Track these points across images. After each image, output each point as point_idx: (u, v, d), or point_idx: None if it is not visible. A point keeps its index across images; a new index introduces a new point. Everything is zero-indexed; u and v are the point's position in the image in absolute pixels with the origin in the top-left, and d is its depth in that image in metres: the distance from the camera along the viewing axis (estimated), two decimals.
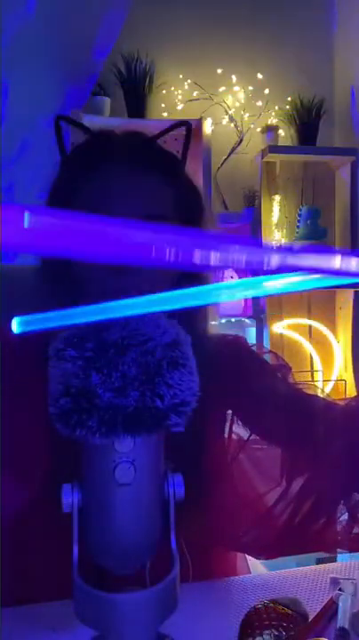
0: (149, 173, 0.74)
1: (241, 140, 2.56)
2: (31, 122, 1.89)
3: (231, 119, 2.56)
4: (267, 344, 2.43)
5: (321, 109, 2.56)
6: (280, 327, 2.58)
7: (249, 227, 2.49)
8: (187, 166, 0.80)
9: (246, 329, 2.50)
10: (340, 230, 2.65)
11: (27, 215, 0.28)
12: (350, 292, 2.56)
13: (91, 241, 0.29)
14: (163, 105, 2.52)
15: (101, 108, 2.40)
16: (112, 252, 0.30)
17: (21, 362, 0.69)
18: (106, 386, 0.41)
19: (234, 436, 0.83)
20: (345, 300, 2.61)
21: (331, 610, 0.65)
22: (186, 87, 2.52)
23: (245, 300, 2.49)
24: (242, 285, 0.36)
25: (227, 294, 0.37)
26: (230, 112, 2.56)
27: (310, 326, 2.63)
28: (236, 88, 2.55)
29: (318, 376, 2.59)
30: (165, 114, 2.51)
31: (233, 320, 2.46)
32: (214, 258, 0.31)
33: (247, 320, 2.48)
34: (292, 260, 0.32)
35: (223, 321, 2.42)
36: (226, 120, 2.56)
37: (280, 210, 2.59)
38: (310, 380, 2.51)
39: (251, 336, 2.43)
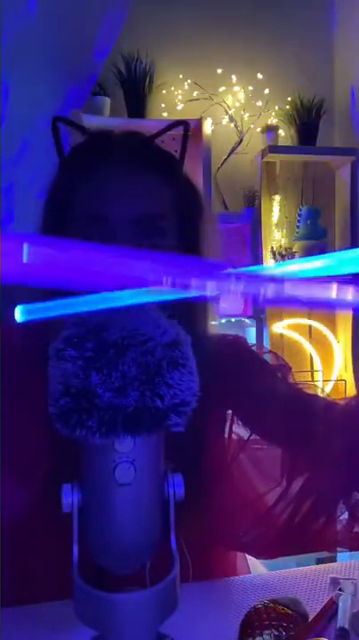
0: (147, 173, 0.74)
1: (241, 140, 2.56)
2: (31, 122, 1.89)
3: (231, 119, 2.56)
4: (267, 344, 2.43)
5: (321, 109, 2.56)
6: (280, 327, 2.58)
7: (249, 227, 2.49)
8: (185, 166, 0.80)
9: (246, 329, 2.50)
10: (340, 230, 2.65)
11: (26, 248, 0.28)
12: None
13: (89, 271, 0.29)
14: (163, 105, 2.52)
15: (101, 108, 2.40)
16: (109, 281, 0.30)
17: (21, 362, 0.69)
18: (106, 386, 0.41)
19: (234, 436, 0.83)
20: None
21: (331, 610, 0.65)
22: (186, 87, 2.52)
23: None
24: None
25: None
26: (230, 112, 2.56)
27: (310, 326, 2.63)
28: (236, 88, 2.55)
29: (318, 376, 2.59)
30: (165, 114, 2.51)
31: (233, 320, 2.46)
32: (210, 287, 0.31)
33: (247, 320, 2.48)
34: (289, 289, 0.32)
35: (223, 321, 2.42)
36: (226, 120, 2.56)
37: (280, 210, 2.59)
38: (310, 379, 2.51)
39: (251, 336, 2.43)
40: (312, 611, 0.65)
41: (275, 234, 2.58)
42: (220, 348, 0.86)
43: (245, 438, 0.82)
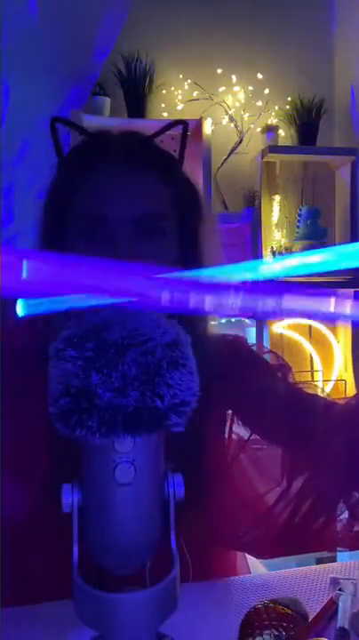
0: (147, 173, 0.74)
1: (241, 140, 2.56)
2: (31, 122, 1.89)
3: (231, 119, 2.56)
4: (267, 344, 2.43)
5: (321, 109, 2.56)
6: (280, 327, 2.58)
7: (249, 227, 2.49)
8: (185, 166, 0.80)
9: (246, 329, 2.50)
10: (340, 230, 2.65)
11: (25, 265, 0.28)
12: (350, 293, 2.55)
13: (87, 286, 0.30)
14: (163, 105, 2.52)
15: (101, 108, 2.40)
16: (108, 295, 0.30)
17: (21, 362, 0.69)
18: (106, 386, 0.41)
19: (234, 436, 0.83)
20: None
21: (331, 610, 0.65)
22: (186, 87, 2.52)
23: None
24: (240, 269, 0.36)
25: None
26: (230, 112, 2.56)
27: (310, 326, 2.63)
28: (236, 88, 2.55)
29: (318, 376, 2.59)
30: (165, 114, 2.50)
31: (233, 320, 2.46)
32: (209, 303, 0.31)
33: (247, 320, 2.48)
34: (288, 303, 0.32)
35: (223, 321, 2.42)
36: (226, 120, 2.56)
37: (280, 210, 2.59)
38: (310, 379, 2.51)
39: (251, 336, 2.43)
40: (312, 611, 0.65)
41: (275, 234, 2.58)
42: (220, 347, 0.86)
43: (245, 438, 0.82)
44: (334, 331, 2.64)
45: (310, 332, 2.63)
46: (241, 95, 2.56)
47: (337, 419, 0.78)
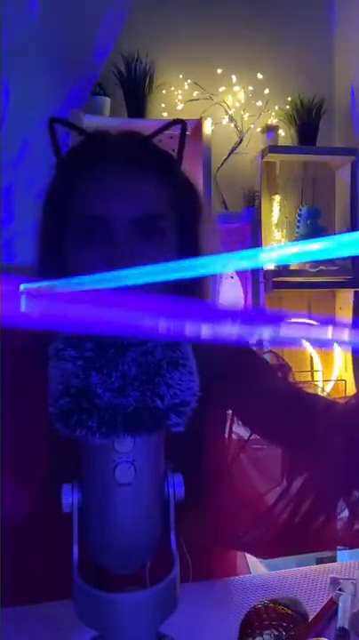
0: (145, 172, 0.74)
1: (241, 140, 2.56)
2: (31, 122, 1.89)
3: (231, 119, 2.56)
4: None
5: (321, 109, 2.56)
6: None
7: (249, 227, 2.49)
8: (185, 166, 0.80)
9: None
10: (340, 230, 2.65)
11: (24, 299, 0.28)
12: (350, 292, 2.56)
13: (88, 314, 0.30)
14: (163, 105, 2.52)
15: (101, 108, 2.40)
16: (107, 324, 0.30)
17: (21, 362, 0.69)
18: (106, 386, 0.41)
19: (234, 436, 0.83)
20: (345, 301, 2.61)
21: (331, 610, 0.65)
22: (186, 87, 2.52)
23: (245, 299, 2.49)
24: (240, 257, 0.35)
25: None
26: (230, 112, 2.56)
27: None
28: (236, 88, 2.55)
29: (318, 376, 2.59)
30: (165, 114, 2.50)
31: None
32: (206, 330, 0.32)
33: None
34: (285, 331, 0.32)
35: None
36: (226, 120, 2.56)
37: (280, 210, 2.59)
38: (310, 379, 2.51)
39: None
40: (312, 611, 0.65)
41: (275, 234, 2.58)
42: (220, 347, 0.85)
43: (245, 438, 0.82)
44: None
45: None
46: (241, 95, 2.56)
47: (337, 418, 0.78)
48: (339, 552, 1.02)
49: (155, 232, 0.72)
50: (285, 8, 2.58)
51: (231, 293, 2.46)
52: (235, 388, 0.81)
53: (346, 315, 2.60)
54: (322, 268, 2.43)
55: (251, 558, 0.91)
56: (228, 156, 2.55)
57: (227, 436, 0.83)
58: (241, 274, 2.48)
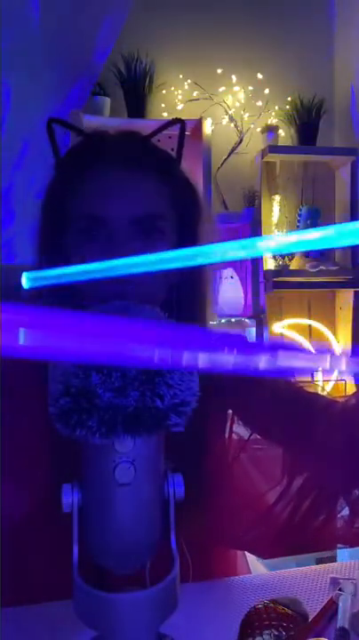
0: (144, 172, 0.74)
1: (241, 140, 2.56)
2: (31, 123, 1.89)
3: (231, 119, 2.56)
4: None
5: (321, 109, 2.56)
6: (280, 327, 2.58)
7: (249, 227, 2.49)
8: (185, 166, 0.80)
9: (246, 329, 2.50)
10: None
11: (22, 332, 0.28)
12: (350, 292, 2.56)
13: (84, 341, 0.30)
14: (163, 105, 2.52)
15: (101, 108, 2.40)
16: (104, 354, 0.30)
17: (21, 362, 0.69)
18: (106, 386, 0.41)
19: (234, 436, 0.83)
20: (345, 301, 2.61)
21: (331, 610, 0.65)
22: (186, 87, 2.52)
23: (245, 299, 2.49)
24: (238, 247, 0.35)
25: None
26: (230, 112, 2.56)
27: (310, 326, 2.63)
28: (236, 88, 2.55)
29: (318, 376, 2.59)
30: (165, 114, 2.50)
31: (233, 320, 2.46)
32: (203, 359, 0.32)
33: (247, 320, 2.48)
34: (283, 360, 0.32)
35: (223, 321, 2.42)
36: (226, 120, 2.56)
37: (280, 210, 2.59)
38: (310, 379, 2.51)
39: (251, 336, 2.43)
40: (312, 611, 0.65)
41: (275, 234, 2.58)
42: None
43: (245, 438, 0.82)
44: (334, 331, 2.64)
45: (310, 332, 2.63)
46: (241, 95, 2.56)
47: (337, 417, 0.78)
48: (338, 552, 1.03)
49: (155, 232, 0.72)
50: (285, 8, 2.58)
51: (231, 293, 2.46)
52: (235, 388, 0.81)
53: (346, 315, 2.60)
54: (322, 267, 2.43)
55: (251, 558, 0.91)
56: (228, 155, 2.56)
57: (227, 435, 0.83)
58: (241, 274, 2.48)
